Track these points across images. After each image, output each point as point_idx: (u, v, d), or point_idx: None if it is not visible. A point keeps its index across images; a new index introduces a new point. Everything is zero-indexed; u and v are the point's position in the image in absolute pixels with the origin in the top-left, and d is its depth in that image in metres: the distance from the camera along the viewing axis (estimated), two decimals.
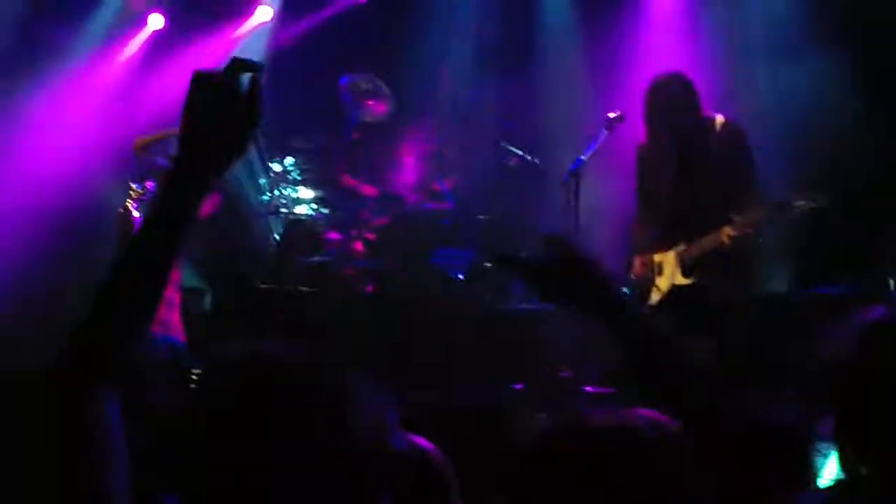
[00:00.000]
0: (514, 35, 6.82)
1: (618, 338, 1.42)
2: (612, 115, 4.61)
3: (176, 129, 1.30)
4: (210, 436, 1.08)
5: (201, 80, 1.29)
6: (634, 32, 6.43)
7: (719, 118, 4.37)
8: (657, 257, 4.43)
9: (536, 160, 6.15)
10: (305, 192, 6.50)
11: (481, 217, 6.32)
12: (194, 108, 1.28)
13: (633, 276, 4.49)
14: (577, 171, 4.61)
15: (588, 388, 4.58)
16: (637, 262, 4.50)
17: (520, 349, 5.15)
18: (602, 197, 5.45)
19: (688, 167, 4.34)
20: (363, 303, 5.91)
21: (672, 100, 4.28)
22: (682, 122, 4.29)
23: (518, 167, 6.23)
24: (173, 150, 1.27)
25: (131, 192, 5.61)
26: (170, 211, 1.23)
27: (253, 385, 1.09)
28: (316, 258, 6.11)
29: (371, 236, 6.21)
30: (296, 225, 6.37)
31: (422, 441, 1.87)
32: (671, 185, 4.36)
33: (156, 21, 6.93)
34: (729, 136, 4.32)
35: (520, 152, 6.14)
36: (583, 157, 4.64)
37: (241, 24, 7.11)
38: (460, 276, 5.92)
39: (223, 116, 1.27)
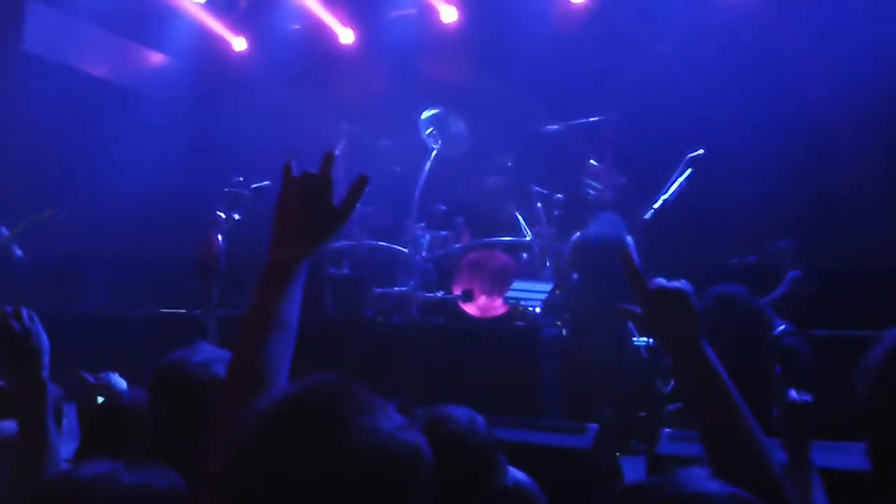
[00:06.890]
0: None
1: None
2: (693, 153, 4.51)
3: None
4: None
5: (302, 178, 1.34)
6: None
7: None
8: None
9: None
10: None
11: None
12: (292, 201, 1.34)
13: None
14: (660, 212, 4.40)
15: None
16: None
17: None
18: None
19: None
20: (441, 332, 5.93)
21: None
22: None
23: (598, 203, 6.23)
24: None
25: (219, 222, 5.77)
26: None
27: None
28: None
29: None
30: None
31: (521, 475, 1.91)
32: None
33: None
34: None
35: (600, 186, 6.13)
36: (665, 196, 4.48)
37: None
38: (538, 309, 5.90)
39: (320, 210, 1.33)
